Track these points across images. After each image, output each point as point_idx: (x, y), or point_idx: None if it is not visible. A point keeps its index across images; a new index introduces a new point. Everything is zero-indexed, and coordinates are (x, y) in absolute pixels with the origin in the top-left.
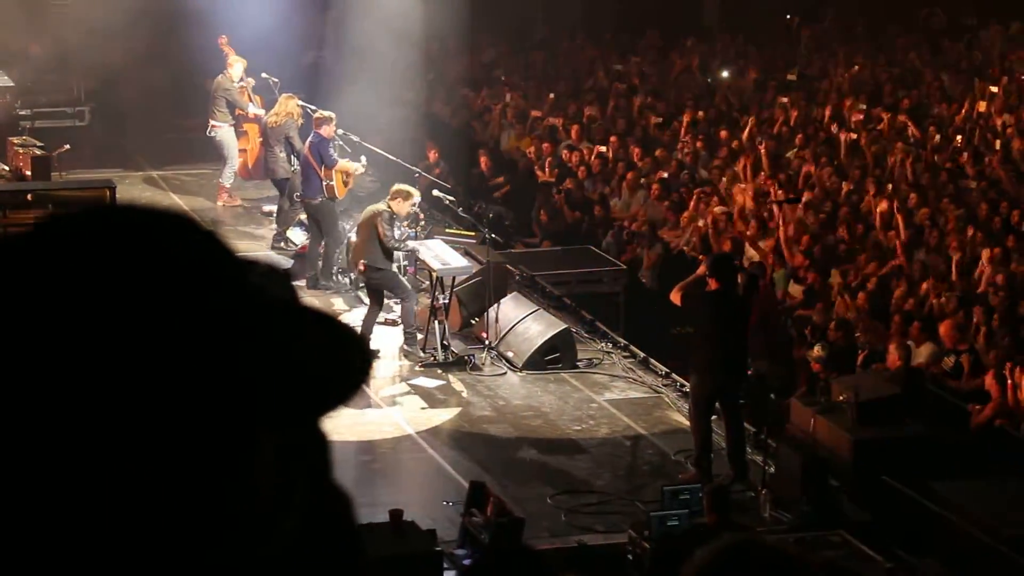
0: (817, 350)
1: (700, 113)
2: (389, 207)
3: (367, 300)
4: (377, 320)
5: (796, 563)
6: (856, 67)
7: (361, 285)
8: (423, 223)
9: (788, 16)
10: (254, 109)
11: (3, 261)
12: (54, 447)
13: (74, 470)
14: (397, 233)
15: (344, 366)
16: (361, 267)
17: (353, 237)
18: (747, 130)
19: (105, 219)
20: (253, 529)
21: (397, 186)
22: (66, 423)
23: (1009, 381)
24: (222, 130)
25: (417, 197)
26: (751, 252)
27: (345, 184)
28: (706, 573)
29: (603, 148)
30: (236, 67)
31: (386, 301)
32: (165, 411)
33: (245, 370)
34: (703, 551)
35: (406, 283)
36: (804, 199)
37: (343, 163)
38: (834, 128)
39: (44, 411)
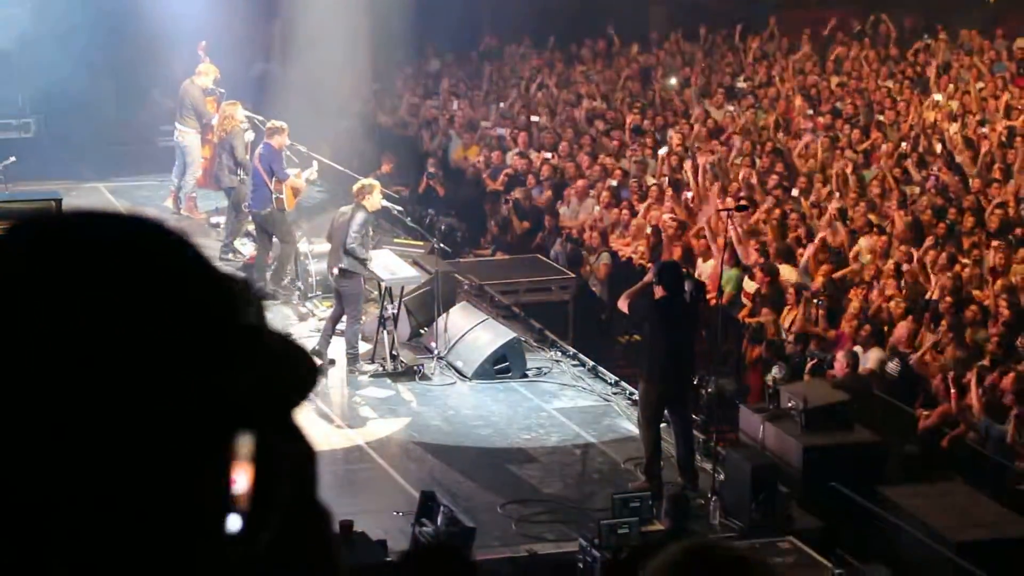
0: (775, 371)
1: (645, 121)
2: (363, 207)
3: (322, 308)
4: (337, 326)
5: (757, 566)
6: (802, 75)
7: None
8: (372, 234)
9: (733, 25)
10: (216, 121)
11: None
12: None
13: (44, 475)
14: (365, 242)
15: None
16: (335, 271)
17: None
18: (693, 137)
19: (83, 225)
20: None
21: (359, 184)
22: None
23: (953, 390)
24: (188, 136)
25: (378, 186)
26: (701, 264)
27: (295, 196)
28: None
29: (550, 155)
30: (205, 76)
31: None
32: (136, 418)
33: (213, 378)
34: (664, 554)
35: (361, 305)
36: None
37: (294, 179)
38: (781, 135)
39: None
